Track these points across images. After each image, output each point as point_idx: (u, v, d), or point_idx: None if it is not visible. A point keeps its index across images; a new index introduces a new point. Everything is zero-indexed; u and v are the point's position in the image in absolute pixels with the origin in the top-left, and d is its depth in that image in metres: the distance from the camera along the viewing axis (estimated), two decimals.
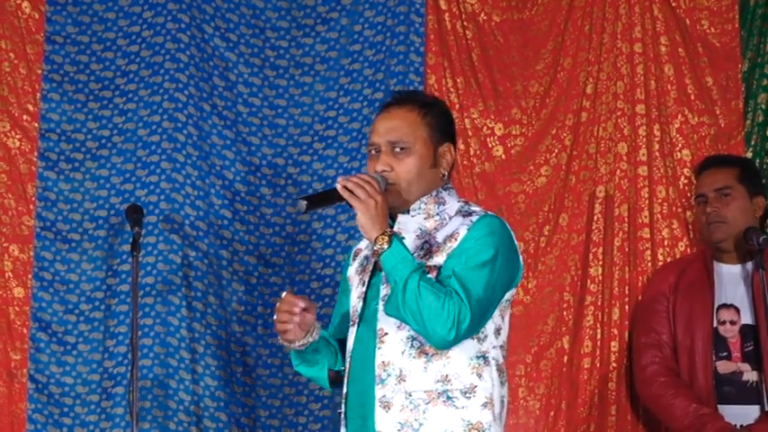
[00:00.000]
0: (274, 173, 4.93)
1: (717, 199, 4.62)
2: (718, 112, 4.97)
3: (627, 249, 4.87)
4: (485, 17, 4.98)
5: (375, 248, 3.14)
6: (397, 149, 3.25)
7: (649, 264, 4.86)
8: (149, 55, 4.90)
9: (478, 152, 4.94)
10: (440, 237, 3.22)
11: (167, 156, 4.86)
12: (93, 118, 4.89)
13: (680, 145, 4.94)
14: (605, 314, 4.84)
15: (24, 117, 4.86)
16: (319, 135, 4.96)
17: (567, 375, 4.83)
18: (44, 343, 4.76)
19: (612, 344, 4.82)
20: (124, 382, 4.70)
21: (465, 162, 4.92)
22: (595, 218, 4.89)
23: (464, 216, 3.23)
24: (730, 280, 4.60)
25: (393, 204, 3.24)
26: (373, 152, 3.29)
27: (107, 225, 4.84)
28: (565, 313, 4.86)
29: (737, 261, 4.61)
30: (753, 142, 5.00)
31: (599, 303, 4.85)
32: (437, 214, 3.27)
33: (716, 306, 4.57)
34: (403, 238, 3.19)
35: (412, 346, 3.16)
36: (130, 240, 4.45)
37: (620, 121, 4.93)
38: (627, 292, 4.85)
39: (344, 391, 3.26)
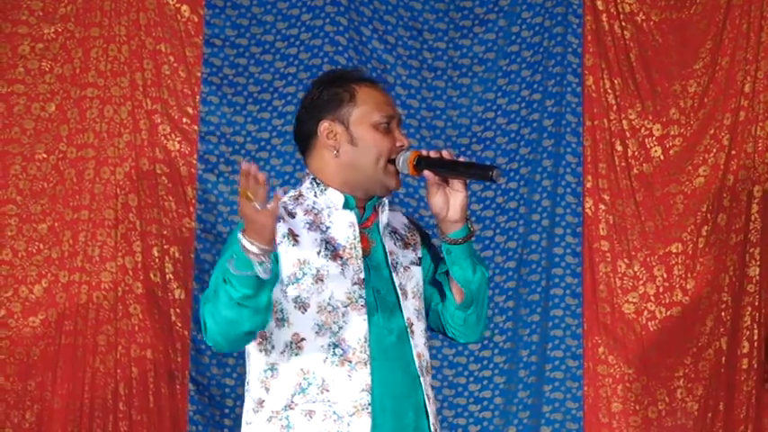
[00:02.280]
0: None
1: None
2: None
3: None
4: (643, 17, 4.95)
5: (469, 232, 2.96)
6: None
7: None
8: (308, 58, 4.89)
9: (636, 153, 4.91)
10: (400, 228, 3.08)
11: None
12: (251, 120, 4.89)
13: None
14: (762, 315, 4.81)
15: (184, 120, 4.86)
16: (477, 137, 4.94)
17: (725, 377, 4.81)
18: (205, 345, 4.76)
19: None
20: None
21: (623, 163, 4.90)
22: (753, 218, 4.86)
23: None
24: None
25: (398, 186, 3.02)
26: (385, 125, 3.04)
27: None
28: (723, 314, 4.83)
29: None
30: None
31: (756, 304, 4.82)
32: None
33: None
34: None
35: (428, 338, 3.03)
36: None
37: None
38: None
39: (368, 381, 2.92)
